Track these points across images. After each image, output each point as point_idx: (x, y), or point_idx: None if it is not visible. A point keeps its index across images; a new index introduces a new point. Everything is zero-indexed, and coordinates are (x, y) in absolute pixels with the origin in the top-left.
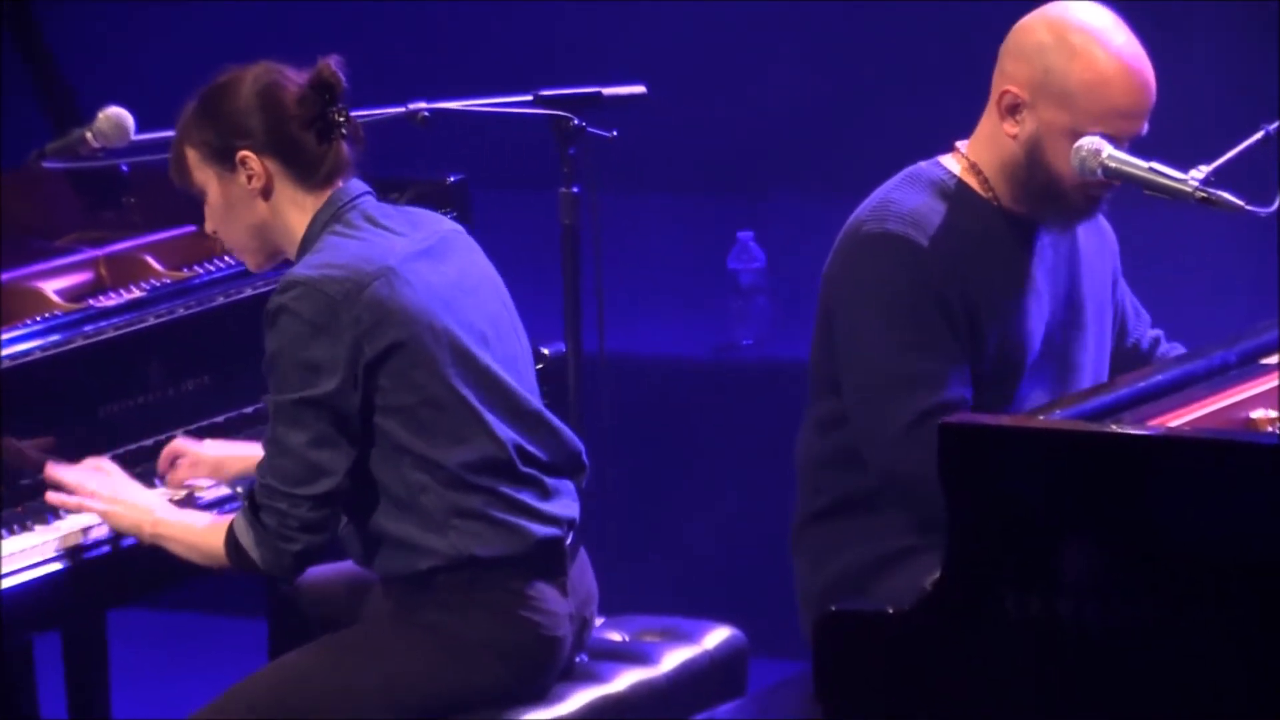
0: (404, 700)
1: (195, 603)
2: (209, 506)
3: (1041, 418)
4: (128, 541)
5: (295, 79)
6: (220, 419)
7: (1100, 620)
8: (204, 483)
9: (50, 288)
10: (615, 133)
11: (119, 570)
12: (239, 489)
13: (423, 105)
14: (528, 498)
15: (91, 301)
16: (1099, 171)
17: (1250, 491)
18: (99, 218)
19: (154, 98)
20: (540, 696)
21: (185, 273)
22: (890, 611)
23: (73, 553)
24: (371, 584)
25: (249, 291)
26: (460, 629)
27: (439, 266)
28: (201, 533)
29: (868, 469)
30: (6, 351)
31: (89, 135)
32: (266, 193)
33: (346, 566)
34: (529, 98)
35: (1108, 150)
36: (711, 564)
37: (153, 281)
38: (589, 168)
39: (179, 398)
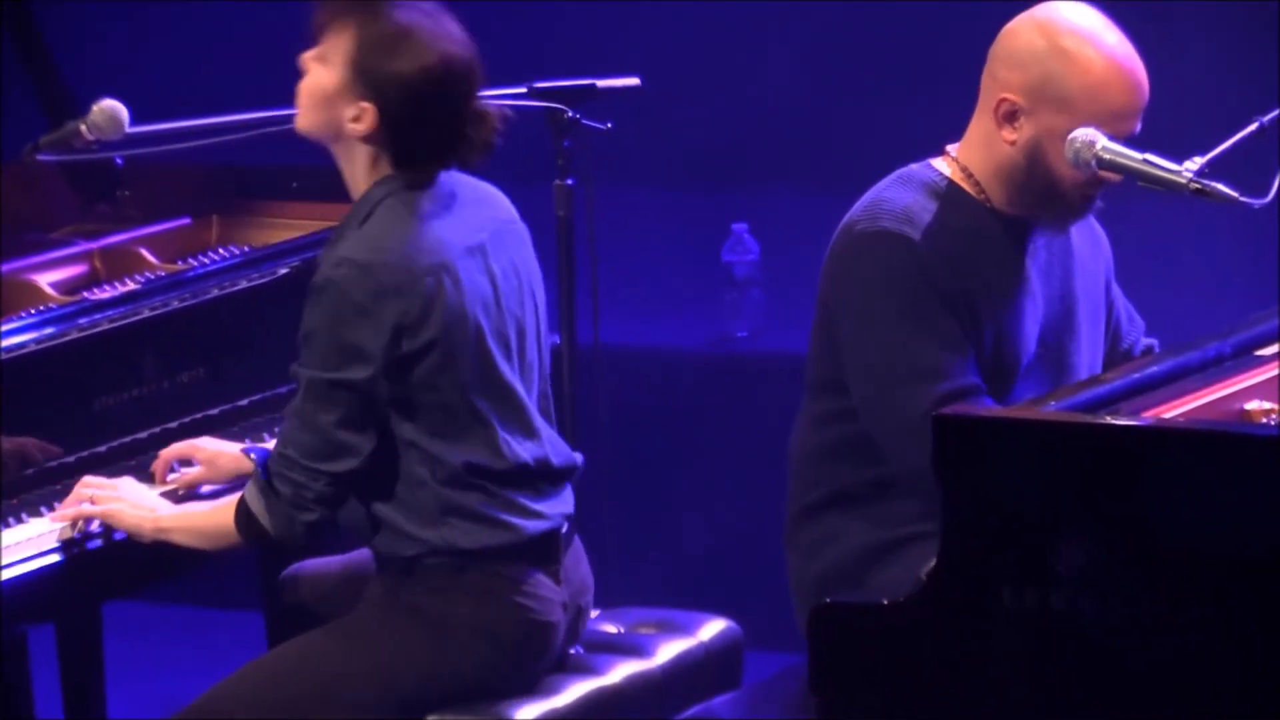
0: (397, 686)
1: (190, 596)
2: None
3: (1036, 409)
4: (123, 534)
5: (472, 84)
6: (215, 411)
7: (1095, 612)
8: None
9: (45, 280)
10: (610, 125)
11: (115, 562)
12: (252, 455)
13: None
14: (523, 499)
15: (86, 294)
16: (1093, 163)
17: (1245, 483)
18: (94, 210)
19: (149, 91)
20: (533, 683)
21: (180, 265)
22: (885, 603)
23: (70, 545)
24: (366, 575)
25: (244, 284)
26: (449, 613)
27: (488, 264)
28: (206, 515)
29: (888, 462)
30: (1, 344)
31: (83, 128)
32: (363, 135)
33: (341, 559)
34: (523, 90)
35: (1102, 142)
36: (706, 556)
37: (147, 274)
38: (584, 160)
39: (174, 390)
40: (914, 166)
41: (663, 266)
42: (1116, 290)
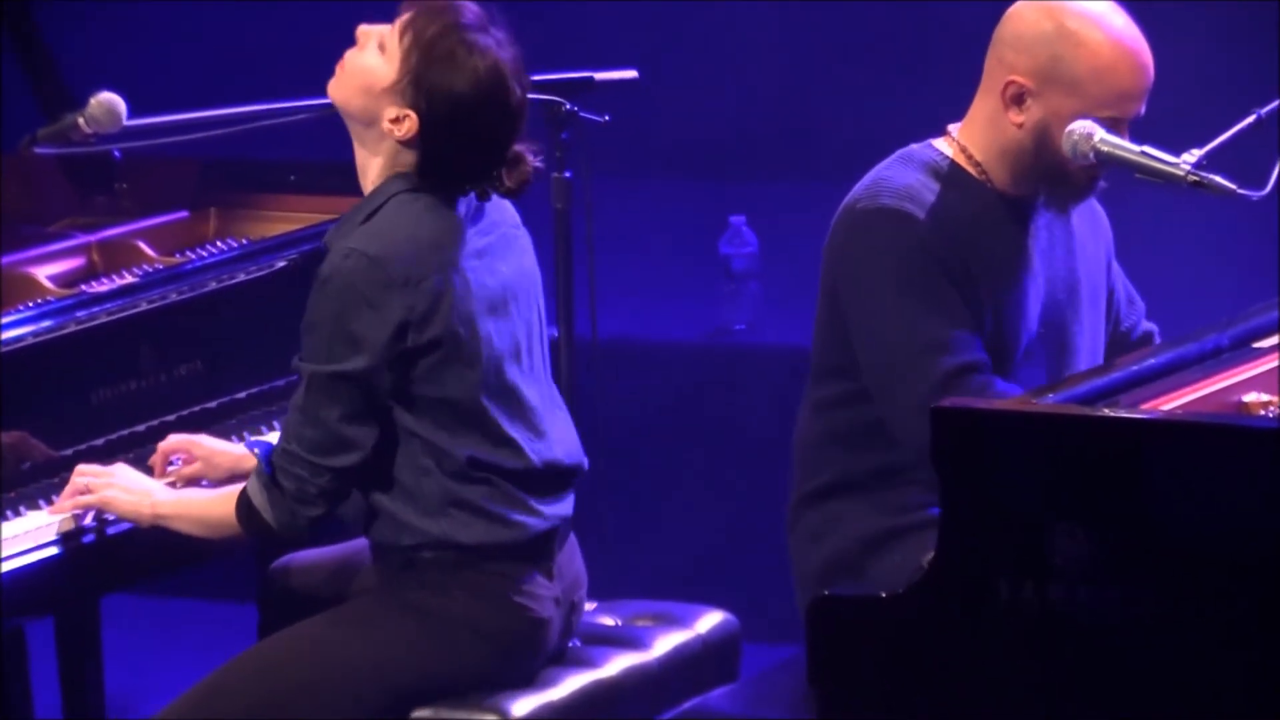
0: (390, 679)
1: (188, 589)
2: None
3: (1034, 402)
4: (122, 527)
5: (518, 126)
6: (213, 404)
7: (1092, 604)
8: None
9: (43, 273)
10: (608, 118)
11: (114, 555)
12: (256, 451)
13: None
14: (527, 497)
15: (84, 287)
16: (1091, 155)
17: (1243, 476)
18: (91, 203)
19: (146, 84)
20: (527, 681)
21: (178, 258)
22: (883, 596)
23: (68, 538)
24: (358, 566)
25: (241, 276)
26: (443, 609)
27: (495, 266)
28: (206, 504)
29: (896, 438)
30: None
31: (81, 121)
32: (397, 139)
33: (333, 550)
34: None
35: (1100, 134)
36: (704, 549)
37: (145, 267)
38: (581, 153)
39: (172, 383)
40: (915, 146)
41: (660, 259)
42: (1117, 271)
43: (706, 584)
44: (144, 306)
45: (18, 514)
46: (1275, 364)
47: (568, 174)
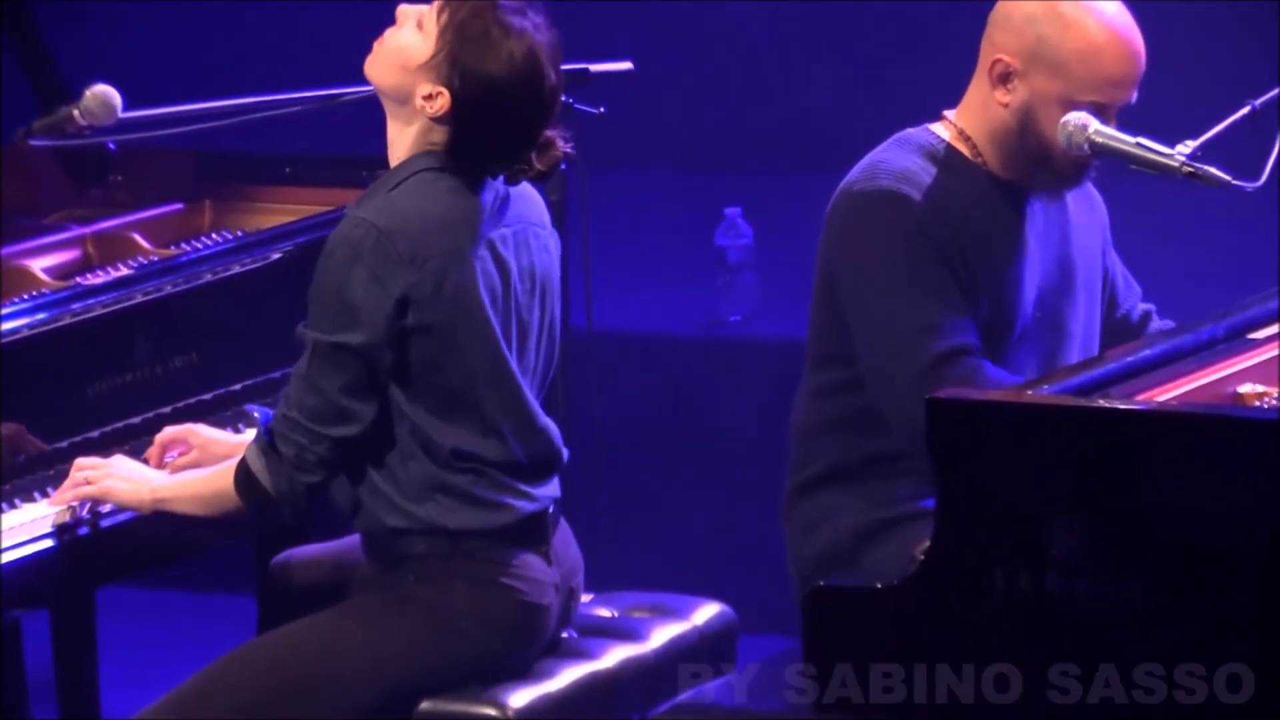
0: (389, 672)
1: (184, 580)
2: None
3: (1030, 392)
4: (117, 519)
5: (552, 110)
6: (209, 396)
7: (1088, 594)
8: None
9: (38, 266)
10: (603, 109)
11: (110, 547)
12: (256, 414)
13: None
14: (513, 481)
15: (79, 279)
16: (1085, 147)
17: (1238, 466)
18: (86, 196)
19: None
20: (527, 667)
21: (173, 250)
22: (879, 586)
23: (63, 530)
24: (357, 563)
25: (237, 269)
26: (443, 601)
27: (505, 257)
28: (205, 480)
29: (891, 425)
30: None
31: (76, 113)
32: (430, 116)
33: (333, 546)
34: None
35: (1094, 125)
36: (699, 540)
37: (140, 259)
38: (576, 144)
39: (167, 375)
40: (911, 130)
41: (656, 251)
42: (1114, 256)
43: (703, 576)
44: (139, 299)
45: (13, 506)
46: (1271, 354)
47: (563, 165)
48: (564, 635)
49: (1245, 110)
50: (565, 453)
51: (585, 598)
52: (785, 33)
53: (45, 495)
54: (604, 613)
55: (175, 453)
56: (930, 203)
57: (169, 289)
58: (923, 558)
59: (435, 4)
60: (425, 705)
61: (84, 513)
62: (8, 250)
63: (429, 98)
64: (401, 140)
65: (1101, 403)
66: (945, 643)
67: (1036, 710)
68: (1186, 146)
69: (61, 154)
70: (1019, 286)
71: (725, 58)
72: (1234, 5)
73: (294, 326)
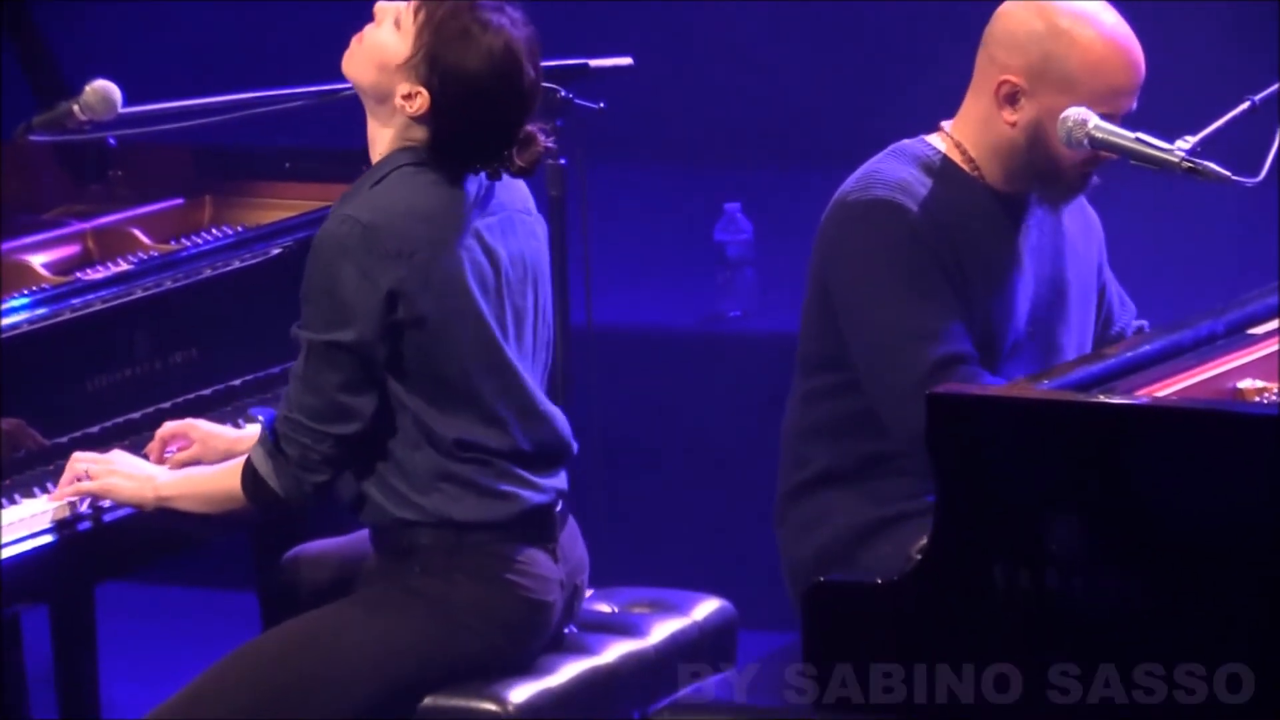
0: (394, 668)
1: (183, 576)
2: None
3: (1030, 388)
4: (117, 514)
5: (531, 106)
6: (208, 391)
7: (1087, 590)
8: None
9: (38, 261)
10: (602, 104)
11: (109, 543)
12: (260, 417)
13: None
14: (519, 471)
15: (79, 274)
16: (1086, 142)
17: (1237, 461)
18: (86, 191)
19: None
20: (529, 663)
21: (173, 245)
22: (879, 583)
23: (63, 526)
24: (363, 559)
25: (236, 264)
26: (447, 594)
27: (494, 246)
28: (210, 479)
29: (889, 430)
30: None
31: (76, 108)
32: (409, 115)
33: (342, 541)
34: None
35: (1094, 121)
36: (700, 536)
37: (140, 254)
38: (576, 140)
39: (167, 370)
40: (907, 141)
41: (655, 246)
42: (1109, 274)
43: (703, 571)
44: (139, 294)
45: (13, 502)
46: (1271, 350)
47: (563, 161)
48: (565, 631)
49: (1245, 106)
50: (575, 445)
51: (586, 593)
52: (785, 28)
53: (45, 490)
54: (605, 608)
55: (175, 447)
56: (925, 213)
57: (169, 284)
58: (920, 556)
59: (413, 2)
60: (428, 701)
61: (84, 508)
62: (8, 245)
63: (408, 97)
64: (381, 137)
65: (1101, 398)
66: (945, 640)
67: (1036, 710)
68: (1186, 142)
69: (61, 149)
70: (1012, 299)
71: (725, 53)
72: (1234, 5)
73: (293, 322)
